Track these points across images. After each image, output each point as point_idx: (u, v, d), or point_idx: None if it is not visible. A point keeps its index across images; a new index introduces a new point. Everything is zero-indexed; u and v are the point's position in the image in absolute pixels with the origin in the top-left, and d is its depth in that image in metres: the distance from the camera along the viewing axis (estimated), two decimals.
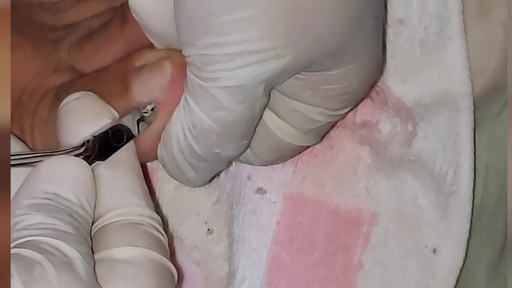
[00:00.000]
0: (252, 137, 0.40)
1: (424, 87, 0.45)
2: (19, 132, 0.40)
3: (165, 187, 0.45)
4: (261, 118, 0.39)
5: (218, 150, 0.38)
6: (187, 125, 0.38)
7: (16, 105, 0.41)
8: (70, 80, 0.41)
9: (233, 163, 0.45)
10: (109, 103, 0.39)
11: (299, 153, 0.43)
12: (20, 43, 0.42)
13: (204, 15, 0.35)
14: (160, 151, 0.40)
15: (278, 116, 0.39)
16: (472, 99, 0.45)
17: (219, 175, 0.45)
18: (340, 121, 0.44)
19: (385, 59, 0.45)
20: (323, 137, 0.42)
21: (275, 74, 0.36)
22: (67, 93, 0.40)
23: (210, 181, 0.44)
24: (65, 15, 0.43)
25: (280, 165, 0.44)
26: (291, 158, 0.43)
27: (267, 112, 0.40)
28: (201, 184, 0.42)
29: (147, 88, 0.39)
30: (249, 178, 0.45)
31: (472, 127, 0.44)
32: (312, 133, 0.40)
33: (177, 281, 0.37)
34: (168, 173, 0.41)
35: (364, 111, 0.45)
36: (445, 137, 0.44)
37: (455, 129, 0.44)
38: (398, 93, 0.45)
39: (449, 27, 0.45)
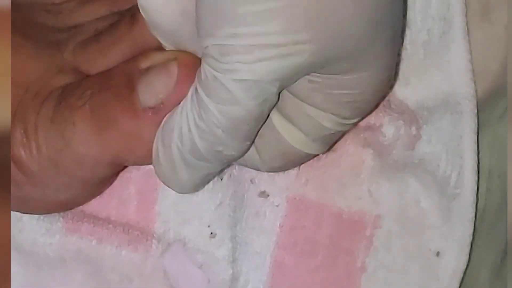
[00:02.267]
0: (254, 139, 0.39)
1: (427, 89, 0.45)
2: (22, 132, 0.40)
3: (167, 190, 0.45)
4: (265, 121, 0.39)
5: (220, 148, 0.38)
6: (194, 118, 0.37)
7: (20, 104, 0.40)
8: (75, 81, 0.41)
9: (236, 166, 0.44)
10: (113, 106, 0.39)
11: (305, 162, 0.43)
12: (22, 44, 0.41)
13: (228, 4, 0.35)
14: (156, 147, 0.39)
15: (289, 120, 0.39)
16: (475, 102, 0.45)
17: (221, 179, 0.45)
18: None
19: None
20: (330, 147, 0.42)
21: (291, 71, 0.36)
22: (73, 94, 0.40)
23: (213, 185, 0.44)
24: (67, 17, 0.42)
25: None
26: (297, 166, 0.43)
27: (277, 116, 0.39)
28: (190, 189, 0.41)
29: (152, 89, 0.39)
30: (252, 181, 0.44)
31: (476, 130, 0.44)
32: (321, 141, 0.40)
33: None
34: (158, 173, 0.40)
35: None
36: (449, 140, 0.44)
37: (458, 132, 0.44)
38: (402, 96, 0.45)
39: (452, 30, 0.45)
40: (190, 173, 0.39)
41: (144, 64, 0.40)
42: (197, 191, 0.42)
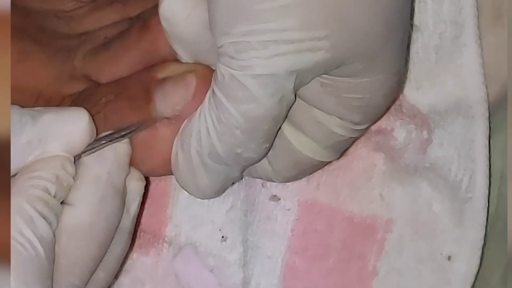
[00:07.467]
0: (273, 142, 0.39)
1: (439, 93, 0.45)
2: None
3: (179, 194, 0.45)
4: (280, 128, 0.39)
5: (239, 150, 0.38)
6: (212, 120, 0.37)
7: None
8: (89, 88, 0.41)
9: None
10: (130, 115, 0.39)
11: (319, 169, 0.42)
12: (33, 50, 0.42)
13: (245, 2, 0.35)
14: (175, 152, 0.39)
15: (299, 129, 0.39)
16: (487, 106, 0.45)
17: (233, 183, 0.45)
18: None
19: None
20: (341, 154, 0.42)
21: (307, 68, 0.36)
22: (87, 101, 0.40)
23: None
24: (79, 24, 0.43)
25: None
26: (310, 174, 0.43)
27: (288, 126, 0.39)
28: (211, 194, 0.41)
29: (170, 100, 0.39)
30: (263, 185, 0.45)
31: (487, 134, 0.44)
32: (332, 148, 0.40)
33: None
34: (178, 179, 0.40)
35: None
36: (460, 144, 0.44)
37: (470, 136, 0.44)
38: (413, 100, 0.45)
39: (464, 34, 0.45)
40: (209, 177, 0.39)
41: (160, 74, 0.40)
42: (217, 196, 0.42)
